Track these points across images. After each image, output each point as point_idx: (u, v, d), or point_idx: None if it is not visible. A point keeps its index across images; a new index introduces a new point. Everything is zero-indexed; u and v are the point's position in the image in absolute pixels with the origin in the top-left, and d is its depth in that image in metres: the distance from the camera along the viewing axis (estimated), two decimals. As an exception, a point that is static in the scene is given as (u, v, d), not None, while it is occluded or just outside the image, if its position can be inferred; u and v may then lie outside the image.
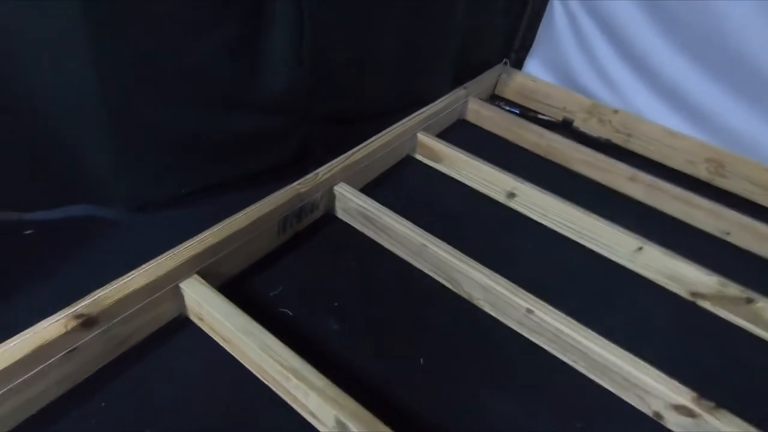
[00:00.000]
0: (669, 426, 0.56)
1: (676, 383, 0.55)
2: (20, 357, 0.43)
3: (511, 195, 0.84)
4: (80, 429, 0.46)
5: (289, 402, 0.50)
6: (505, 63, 1.27)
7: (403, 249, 0.71)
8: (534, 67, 1.28)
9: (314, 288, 0.64)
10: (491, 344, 0.61)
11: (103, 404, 0.48)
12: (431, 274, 0.69)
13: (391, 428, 0.45)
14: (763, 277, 0.76)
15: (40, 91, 0.55)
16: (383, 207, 0.73)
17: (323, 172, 0.71)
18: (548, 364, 0.60)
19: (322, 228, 0.73)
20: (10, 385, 0.43)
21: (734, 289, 0.70)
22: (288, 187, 0.67)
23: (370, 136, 0.83)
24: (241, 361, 0.53)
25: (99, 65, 0.55)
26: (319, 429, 0.48)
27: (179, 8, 0.58)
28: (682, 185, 0.94)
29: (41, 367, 0.45)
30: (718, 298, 0.71)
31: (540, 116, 1.16)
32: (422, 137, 0.92)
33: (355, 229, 0.74)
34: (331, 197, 0.75)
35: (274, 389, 0.51)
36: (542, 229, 0.82)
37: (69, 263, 0.60)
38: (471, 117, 1.11)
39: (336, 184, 0.74)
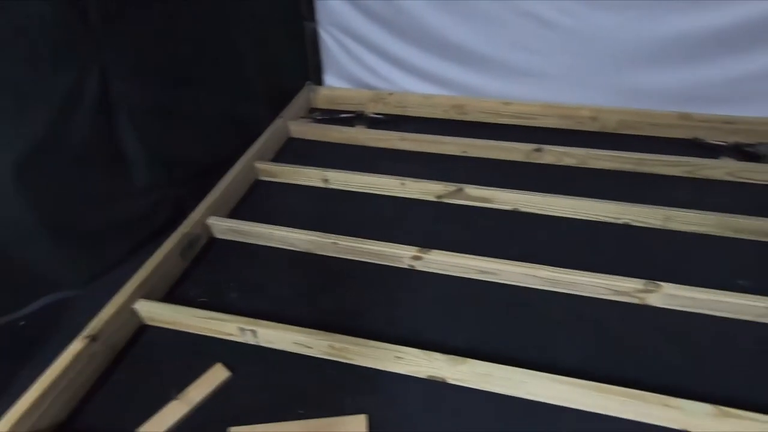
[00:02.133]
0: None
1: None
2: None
3: (325, 180, 1.26)
4: None
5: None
6: (309, 84, 1.69)
7: (271, 242, 1.09)
8: (332, 79, 1.72)
9: (214, 284, 1.00)
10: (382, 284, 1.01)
11: None
12: (291, 248, 1.08)
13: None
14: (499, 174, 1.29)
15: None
16: (246, 222, 1.10)
17: (195, 214, 1.07)
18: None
19: (210, 248, 1.09)
20: None
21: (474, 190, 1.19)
22: (176, 232, 1.01)
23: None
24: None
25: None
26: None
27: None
28: (439, 131, 1.45)
29: None
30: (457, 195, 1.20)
31: (343, 115, 1.60)
32: (259, 165, 1.30)
33: (233, 241, 1.11)
34: (208, 228, 1.10)
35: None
36: (357, 196, 1.25)
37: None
38: (295, 134, 1.51)
39: (207, 218, 1.09)
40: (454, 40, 1.48)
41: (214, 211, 1.12)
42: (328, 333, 0.81)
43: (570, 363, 0.81)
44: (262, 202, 1.25)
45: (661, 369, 0.81)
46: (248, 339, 0.85)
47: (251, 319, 0.84)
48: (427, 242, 1.03)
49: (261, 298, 0.96)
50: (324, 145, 1.48)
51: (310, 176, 1.28)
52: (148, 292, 0.91)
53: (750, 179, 1.23)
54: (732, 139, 1.37)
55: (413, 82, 1.62)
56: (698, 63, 1.36)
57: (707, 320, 0.89)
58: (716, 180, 1.25)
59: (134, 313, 0.88)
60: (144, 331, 0.89)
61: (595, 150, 1.31)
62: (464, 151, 1.39)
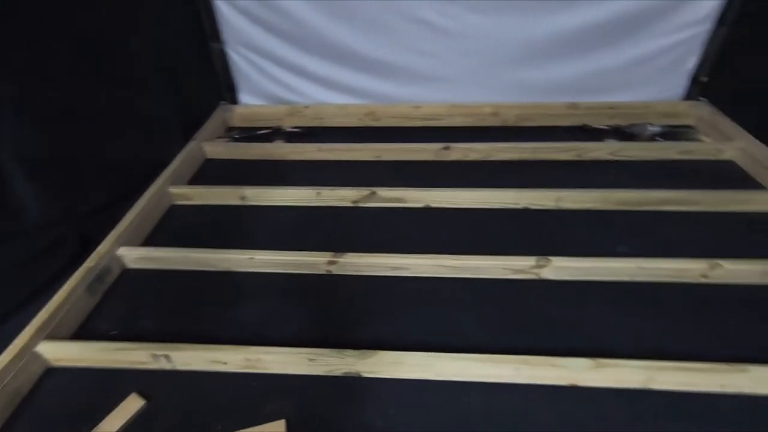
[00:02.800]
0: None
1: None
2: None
3: (242, 198, 1.27)
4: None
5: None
6: (223, 104, 1.70)
7: (187, 266, 1.08)
8: (247, 98, 1.73)
9: (127, 316, 0.98)
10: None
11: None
12: (209, 269, 1.08)
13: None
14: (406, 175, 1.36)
15: None
16: (159, 248, 1.09)
17: (102, 246, 1.04)
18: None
19: (123, 279, 1.06)
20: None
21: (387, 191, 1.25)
22: (82, 267, 0.98)
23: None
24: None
25: None
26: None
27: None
28: (355, 138, 1.51)
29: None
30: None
31: (261, 131, 1.62)
32: (173, 189, 1.28)
33: (147, 269, 1.09)
34: (119, 259, 1.07)
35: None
36: (275, 210, 1.26)
37: None
38: (212, 155, 1.51)
39: (117, 249, 1.07)
40: (359, 50, 1.55)
41: (126, 241, 1.10)
42: (241, 347, 0.82)
43: (475, 341, 0.87)
44: (177, 226, 1.23)
45: (553, 334, 0.89)
46: (163, 365, 0.84)
47: (163, 344, 0.84)
48: (343, 247, 1.07)
49: (176, 322, 0.95)
50: (242, 163, 1.49)
51: (227, 195, 1.29)
52: (53, 333, 0.88)
53: (628, 157, 1.39)
54: (613, 122, 1.54)
55: (328, 94, 1.67)
56: (579, 57, 1.52)
57: (592, 285, 0.99)
58: (601, 160, 1.39)
59: (37, 356, 0.84)
60: (50, 373, 0.86)
61: (498, 143, 1.42)
62: (378, 156, 1.45)
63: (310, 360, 0.81)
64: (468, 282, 1.01)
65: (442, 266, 1.02)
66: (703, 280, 0.98)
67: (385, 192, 1.24)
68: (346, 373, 0.82)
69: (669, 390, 0.78)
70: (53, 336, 0.87)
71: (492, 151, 1.42)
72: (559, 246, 1.06)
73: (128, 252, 1.08)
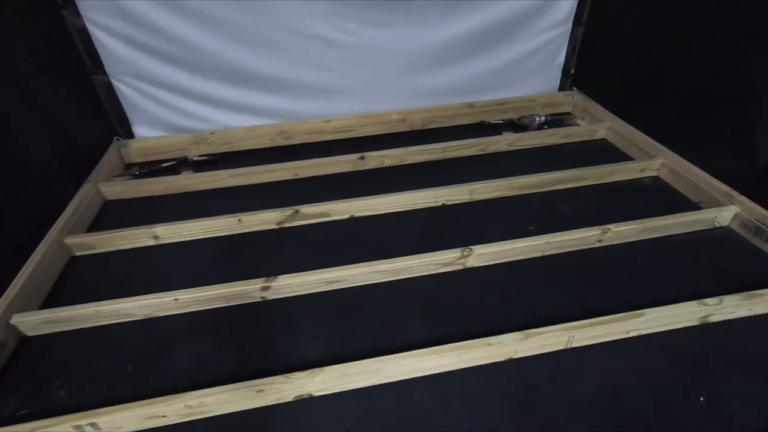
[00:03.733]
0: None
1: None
2: None
3: (156, 237, 1.19)
4: None
5: None
6: (117, 140, 1.56)
7: (100, 321, 0.98)
8: (144, 130, 1.61)
9: (35, 390, 0.86)
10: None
11: None
12: (128, 320, 0.99)
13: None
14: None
15: None
16: (63, 308, 0.97)
17: (-9, 317, 0.90)
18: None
19: (23, 350, 0.93)
20: None
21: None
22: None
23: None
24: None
25: None
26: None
27: None
28: (269, 160, 1.48)
29: None
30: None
31: (165, 164, 1.52)
32: (70, 240, 1.15)
33: (52, 334, 0.96)
34: (14, 328, 0.94)
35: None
36: (194, 244, 1.20)
37: None
38: (111, 196, 1.38)
39: (11, 318, 0.93)
40: (260, 71, 1.54)
41: (20, 307, 0.96)
42: (178, 394, 0.77)
43: (417, 338, 0.91)
44: (82, 280, 1.11)
45: (484, 316, 0.96)
46: (89, 435, 0.76)
47: (87, 412, 0.75)
48: (275, 270, 1.04)
49: (97, 385, 0.86)
50: (148, 200, 1.38)
51: (137, 237, 1.19)
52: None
53: (523, 146, 1.55)
54: (506, 116, 1.70)
55: (233, 117, 1.62)
56: (467, 60, 1.66)
57: (512, 265, 1.09)
58: (501, 152, 1.53)
59: None
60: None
61: (409, 147, 1.50)
62: (296, 174, 1.44)
63: (258, 391, 0.78)
64: (403, 283, 1.05)
65: (376, 272, 1.04)
66: (599, 244, 1.13)
67: (308, 209, 1.24)
68: (297, 396, 0.81)
69: (588, 345, 0.89)
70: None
71: (405, 155, 1.49)
72: (479, 234, 1.14)
73: (24, 319, 0.94)
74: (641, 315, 0.88)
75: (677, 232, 1.15)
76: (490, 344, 0.84)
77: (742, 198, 1.15)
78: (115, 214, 1.33)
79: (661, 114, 1.40)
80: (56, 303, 1.02)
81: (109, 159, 1.49)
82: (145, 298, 0.98)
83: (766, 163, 1.11)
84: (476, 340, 0.84)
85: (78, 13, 1.36)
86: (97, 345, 0.94)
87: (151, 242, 1.19)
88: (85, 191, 1.31)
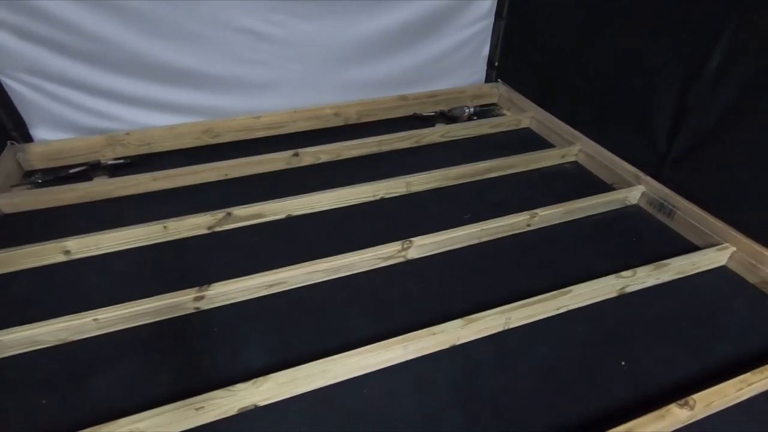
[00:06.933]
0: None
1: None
2: None
3: (67, 252, 1.07)
4: None
5: None
6: (12, 144, 1.38)
7: (6, 352, 0.86)
8: (45, 133, 1.43)
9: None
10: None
11: None
12: (39, 347, 0.88)
13: None
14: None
15: None
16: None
17: None
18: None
19: None
20: None
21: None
22: None
23: None
24: None
25: None
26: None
27: None
28: (194, 160, 1.39)
29: None
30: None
31: (74, 170, 1.36)
32: (-42, 262, 1.00)
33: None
34: None
35: None
36: (113, 257, 1.09)
37: None
38: (9, 208, 1.22)
39: None
40: (181, 65, 1.43)
41: None
42: (104, 424, 0.70)
43: (363, 333, 0.91)
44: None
45: (428, 305, 0.98)
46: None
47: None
48: (208, 278, 0.98)
49: (11, 425, 0.76)
50: (55, 211, 1.24)
51: (44, 253, 1.06)
52: None
53: (454, 137, 1.59)
54: (438, 108, 1.74)
55: (151, 116, 1.49)
56: (396, 53, 1.66)
57: (450, 254, 1.12)
58: (435, 143, 1.57)
59: None
60: None
61: (344, 142, 1.48)
62: (226, 174, 1.37)
63: (197, 409, 0.74)
64: (345, 280, 1.04)
65: (317, 271, 1.02)
66: (528, 228, 1.20)
67: (241, 210, 1.18)
68: (240, 409, 0.77)
69: (524, 324, 0.94)
70: None
71: (341, 150, 1.47)
72: (417, 226, 1.16)
73: None
74: (569, 292, 0.95)
75: (595, 213, 1.26)
76: (434, 333, 0.86)
77: (648, 178, 1.27)
78: (14, 230, 1.17)
79: (576, 103, 1.51)
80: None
81: (3, 166, 1.30)
82: (58, 321, 0.88)
83: (664, 147, 1.24)
84: (420, 330, 0.86)
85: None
86: (5, 378, 0.83)
87: (62, 258, 1.07)
88: (-27, 206, 1.15)
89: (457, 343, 0.90)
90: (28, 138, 1.41)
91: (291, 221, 1.22)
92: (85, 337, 0.90)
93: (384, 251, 1.06)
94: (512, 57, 1.78)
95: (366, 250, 1.05)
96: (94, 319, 0.89)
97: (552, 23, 1.55)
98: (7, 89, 1.32)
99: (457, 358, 0.88)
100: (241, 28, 1.41)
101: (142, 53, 1.37)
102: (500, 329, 0.92)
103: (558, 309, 0.96)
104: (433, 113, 1.72)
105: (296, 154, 1.42)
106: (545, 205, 1.21)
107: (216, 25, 1.39)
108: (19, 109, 1.36)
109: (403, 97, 1.73)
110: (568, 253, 1.14)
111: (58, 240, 1.07)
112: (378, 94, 1.70)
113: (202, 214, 1.16)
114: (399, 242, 1.07)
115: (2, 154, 1.34)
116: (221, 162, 1.37)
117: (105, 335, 0.91)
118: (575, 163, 1.47)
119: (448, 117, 1.70)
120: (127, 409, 0.74)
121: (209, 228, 1.17)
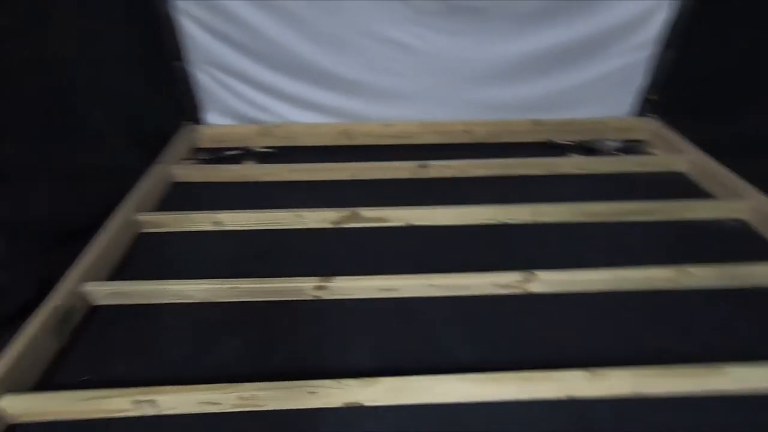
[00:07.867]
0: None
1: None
2: None
3: (217, 223, 1.22)
4: None
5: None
6: (188, 124, 1.62)
7: (164, 299, 1.01)
8: (214, 118, 1.67)
9: (99, 359, 0.89)
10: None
11: None
12: (188, 301, 1.02)
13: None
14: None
15: None
16: (131, 282, 1.02)
17: (65, 283, 0.95)
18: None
19: (92, 318, 0.97)
20: None
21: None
22: (43, 308, 0.89)
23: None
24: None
25: None
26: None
27: None
28: (329, 158, 1.49)
29: None
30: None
31: (230, 152, 1.56)
32: (140, 216, 1.20)
33: (119, 305, 1.00)
34: (84, 296, 0.98)
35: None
36: (252, 234, 1.21)
37: None
38: (180, 178, 1.43)
39: (83, 285, 0.98)
40: (328, 69, 1.55)
41: (92, 275, 1.01)
42: (234, 384, 0.78)
43: (469, 360, 0.88)
44: (148, 256, 1.15)
45: (544, 347, 0.92)
46: (146, 411, 0.77)
47: (146, 388, 0.77)
48: (330, 270, 1.04)
49: (157, 362, 0.89)
50: (213, 186, 1.43)
51: (200, 221, 1.23)
52: (14, 384, 0.78)
53: (592, 171, 1.47)
54: (575, 138, 1.63)
55: (297, 112, 1.65)
56: (538, 77, 1.60)
57: (575, 296, 1.03)
58: (568, 174, 1.47)
59: (-2, 413, 0.75)
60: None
61: (471, 160, 1.46)
62: (354, 175, 1.45)
63: (310, 393, 0.78)
64: (457, 300, 1.02)
65: (431, 285, 1.02)
66: (671, 286, 1.05)
67: (366, 212, 1.23)
68: (346, 403, 0.80)
69: (655, 395, 0.82)
70: (16, 388, 0.78)
71: (467, 168, 1.46)
72: (540, 259, 1.09)
73: (95, 287, 0.99)
74: (723, 371, 0.81)
75: (763, 285, 1.06)
76: (552, 379, 0.80)
77: (844, 255, 1.04)
78: (181, 197, 1.38)
79: (755, 151, 1.29)
80: (123, 276, 1.07)
81: (179, 142, 1.55)
82: (204, 283, 1.01)
83: None
84: (537, 372, 0.80)
85: (165, 1, 1.43)
86: (159, 322, 0.98)
87: (213, 227, 1.23)
88: (156, 171, 1.37)
89: (574, 395, 0.82)
90: (198, 121, 1.66)
91: (410, 230, 1.23)
92: (223, 300, 1.01)
93: (504, 279, 1.02)
94: (673, 91, 1.59)
95: (485, 274, 1.02)
96: (232, 288, 1.00)
97: (732, 59, 1.36)
98: (195, 79, 1.57)
99: (570, 411, 0.80)
100: (386, 38, 1.49)
101: (301, 56, 1.52)
102: (627, 392, 0.82)
103: (704, 388, 0.82)
104: (569, 142, 1.62)
105: (423, 166, 1.44)
106: (695, 263, 1.05)
107: (364, 34, 1.49)
108: (200, 95, 1.61)
109: (537, 122, 1.65)
110: (718, 323, 0.98)
111: (212, 211, 1.23)
112: (509, 116, 1.66)
113: (331, 209, 1.24)
114: (521, 272, 1.02)
115: (179, 132, 1.59)
116: (353, 163, 1.45)
117: (238, 303, 1.01)
118: (743, 221, 1.26)
119: (586, 148, 1.58)
120: (250, 375, 0.81)
121: (334, 223, 1.24)
